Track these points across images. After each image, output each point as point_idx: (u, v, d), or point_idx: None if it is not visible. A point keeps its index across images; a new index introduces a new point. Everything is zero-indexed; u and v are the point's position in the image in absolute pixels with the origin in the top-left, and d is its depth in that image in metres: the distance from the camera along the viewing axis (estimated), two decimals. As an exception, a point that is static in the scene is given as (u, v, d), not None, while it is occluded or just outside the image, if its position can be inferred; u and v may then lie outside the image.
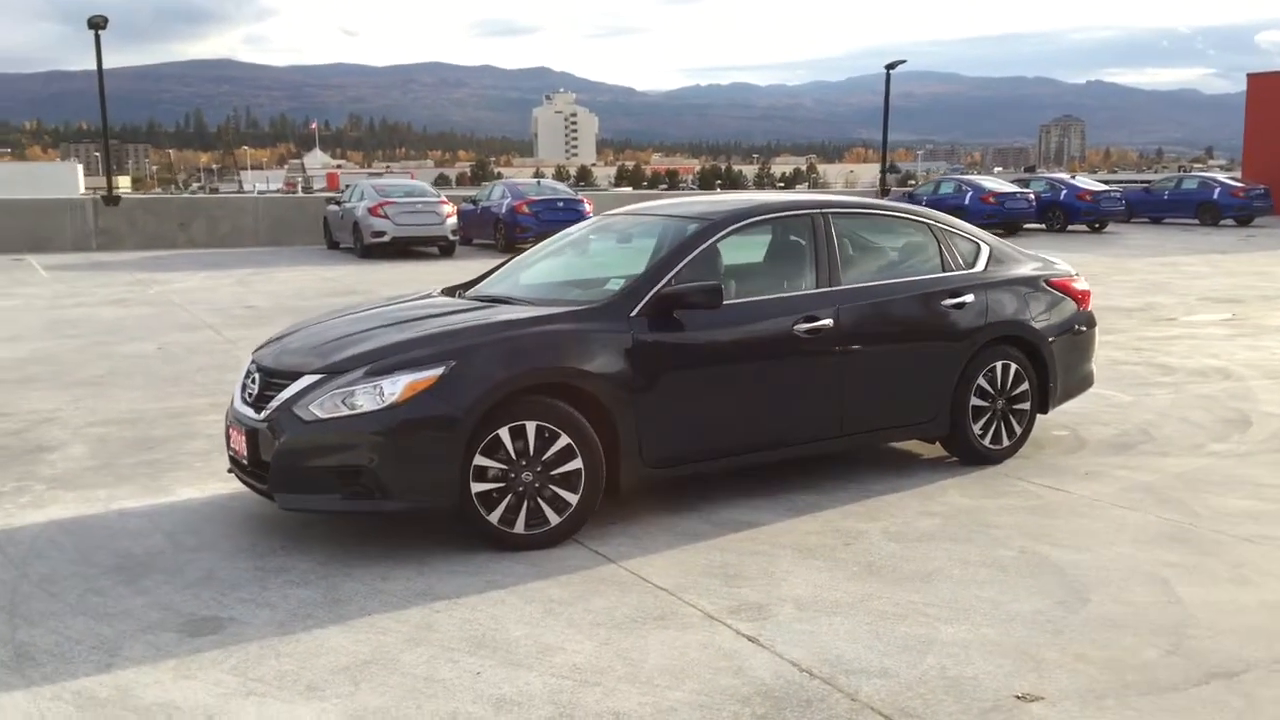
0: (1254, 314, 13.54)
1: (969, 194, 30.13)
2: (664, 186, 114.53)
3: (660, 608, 4.45)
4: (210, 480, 6.29)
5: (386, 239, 22.69)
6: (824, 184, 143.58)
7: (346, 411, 4.91)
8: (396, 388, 4.89)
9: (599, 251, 6.83)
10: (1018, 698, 3.64)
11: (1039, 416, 6.87)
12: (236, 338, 11.76)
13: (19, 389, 9.13)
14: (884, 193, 36.51)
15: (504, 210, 24.89)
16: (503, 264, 6.84)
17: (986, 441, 6.50)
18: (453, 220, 23.70)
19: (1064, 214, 31.65)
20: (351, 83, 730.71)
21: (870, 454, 6.77)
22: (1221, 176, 39.15)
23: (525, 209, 24.28)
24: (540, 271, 6.58)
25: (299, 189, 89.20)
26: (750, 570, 4.86)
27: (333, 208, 25.78)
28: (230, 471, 5.63)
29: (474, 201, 27.49)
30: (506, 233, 24.24)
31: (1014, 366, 6.52)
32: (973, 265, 6.60)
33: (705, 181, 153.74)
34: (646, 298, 5.44)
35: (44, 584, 4.75)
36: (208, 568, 4.95)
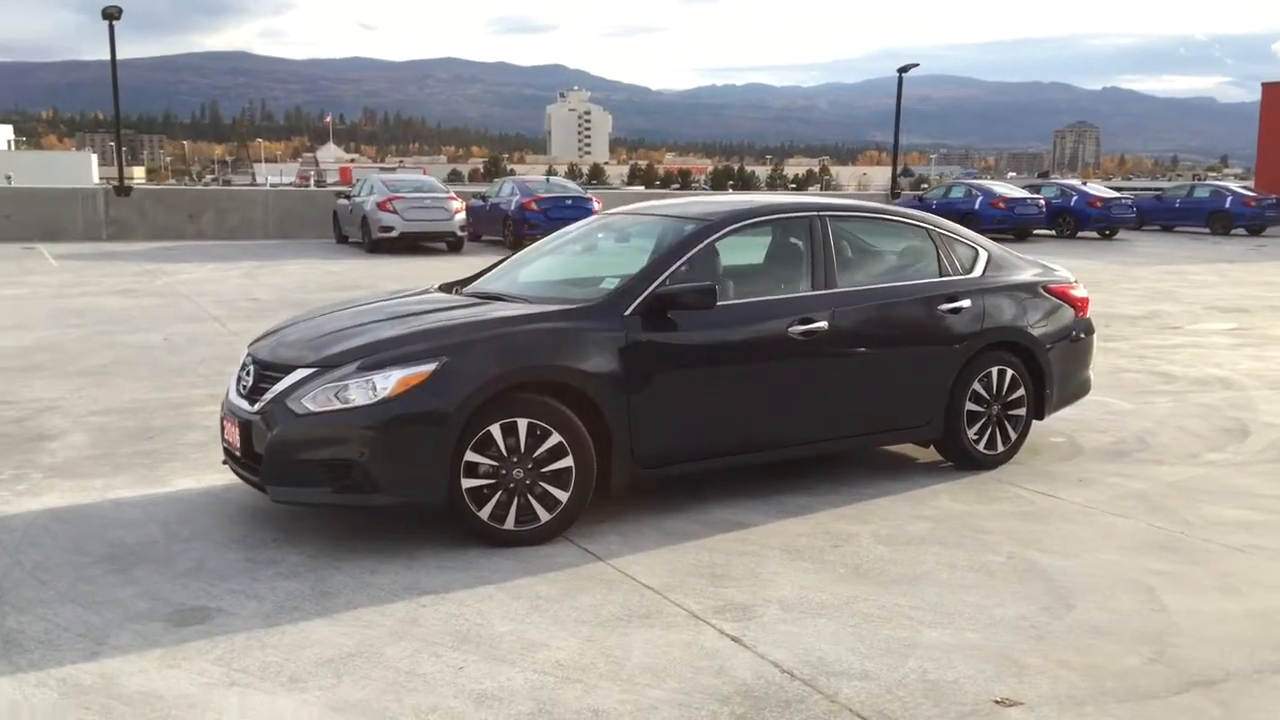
0: (1260, 324, 13.51)
1: (979, 199, 30.09)
2: (676, 186, 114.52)
3: (646, 606, 4.47)
4: (206, 471, 6.32)
5: (394, 234, 22.74)
6: (836, 186, 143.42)
7: (339, 405, 4.94)
8: (388, 383, 4.92)
9: (597, 250, 6.84)
10: (996, 702, 3.66)
11: (1036, 423, 6.87)
12: (240, 330, 11.80)
13: (22, 377, 9.18)
14: (894, 196, 36.47)
15: (513, 207, 24.94)
16: (501, 261, 6.86)
17: (981, 447, 6.50)
18: (461, 216, 23.76)
19: (1074, 220, 31.57)
20: (367, 77, 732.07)
21: (864, 457, 6.78)
22: (1234, 185, 39.05)
23: (534, 206, 24.33)
24: (538, 269, 6.60)
25: (311, 182, 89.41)
26: (738, 571, 4.87)
27: (342, 202, 25.86)
28: (225, 463, 5.66)
29: (483, 198, 27.54)
30: (515, 229, 24.27)
31: (1010, 372, 6.53)
32: (971, 270, 6.61)
33: (718, 182, 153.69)
34: (641, 297, 5.45)
35: (36, 571, 4.78)
36: (199, 558, 4.98)
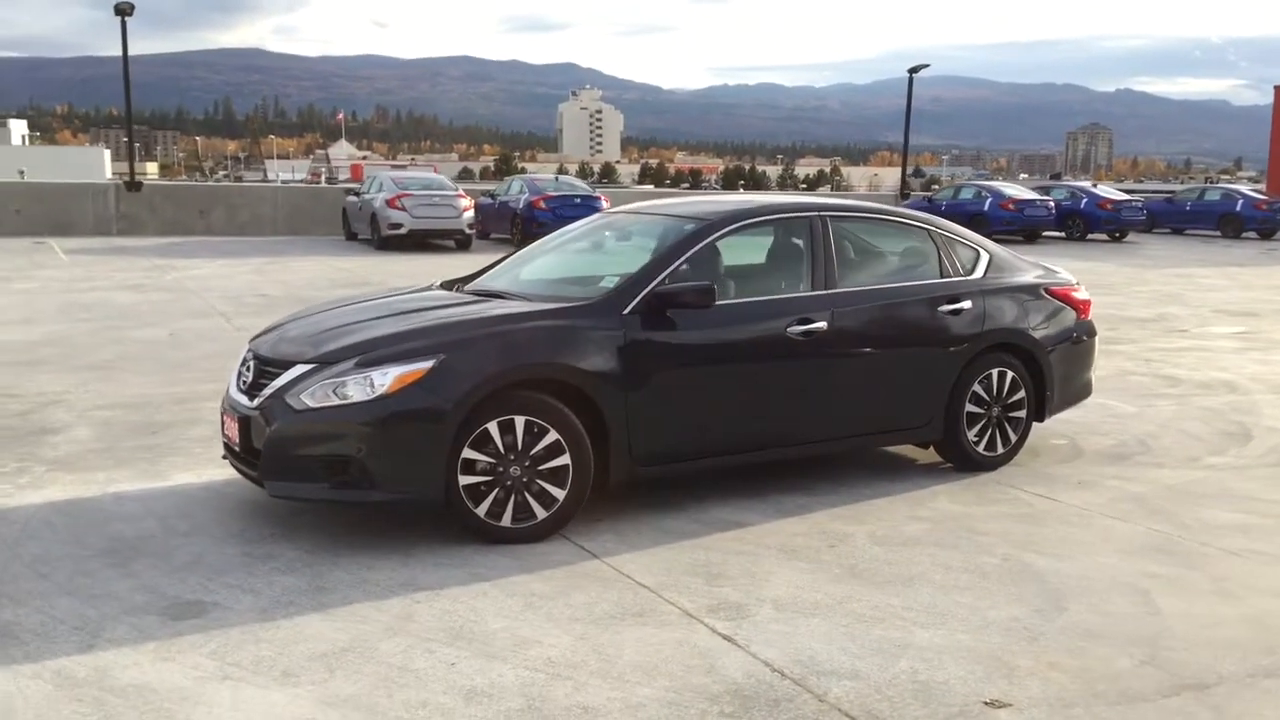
0: (1268, 328, 13.47)
1: (988, 200, 30.04)
2: (686, 185, 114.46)
3: (640, 604, 4.48)
4: (207, 466, 6.35)
5: (403, 231, 22.79)
6: (847, 187, 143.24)
7: (336, 401, 4.96)
8: (386, 379, 4.94)
9: (598, 249, 6.86)
10: (986, 704, 3.66)
11: (1037, 425, 6.87)
12: (246, 325, 11.82)
13: (29, 371, 9.23)
14: (904, 196, 36.43)
15: (521, 205, 24.99)
16: (503, 259, 6.88)
17: (981, 448, 6.50)
18: (469, 214, 23.80)
19: (1084, 222, 31.47)
20: (380, 74, 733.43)
21: (863, 457, 6.79)
22: (1245, 189, 38.91)
23: (542, 205, 24.39)
24: (539, 267, 6.61)
25: (323, 179, 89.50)
26: (733, 570, 4.88)
27: (351, 199, 25.94)
28: (224, 458, 5.68)
29: (492, 196, 27.62)
30: (523, 228, 24.29)
31: (1010, 374, 6.52)
32: (972, 272, 6.60)
33: (729, 181, 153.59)
34: (640, 296, 5.47)
35: (34, 564, 4.81)
36: (197, 552, 5.00)
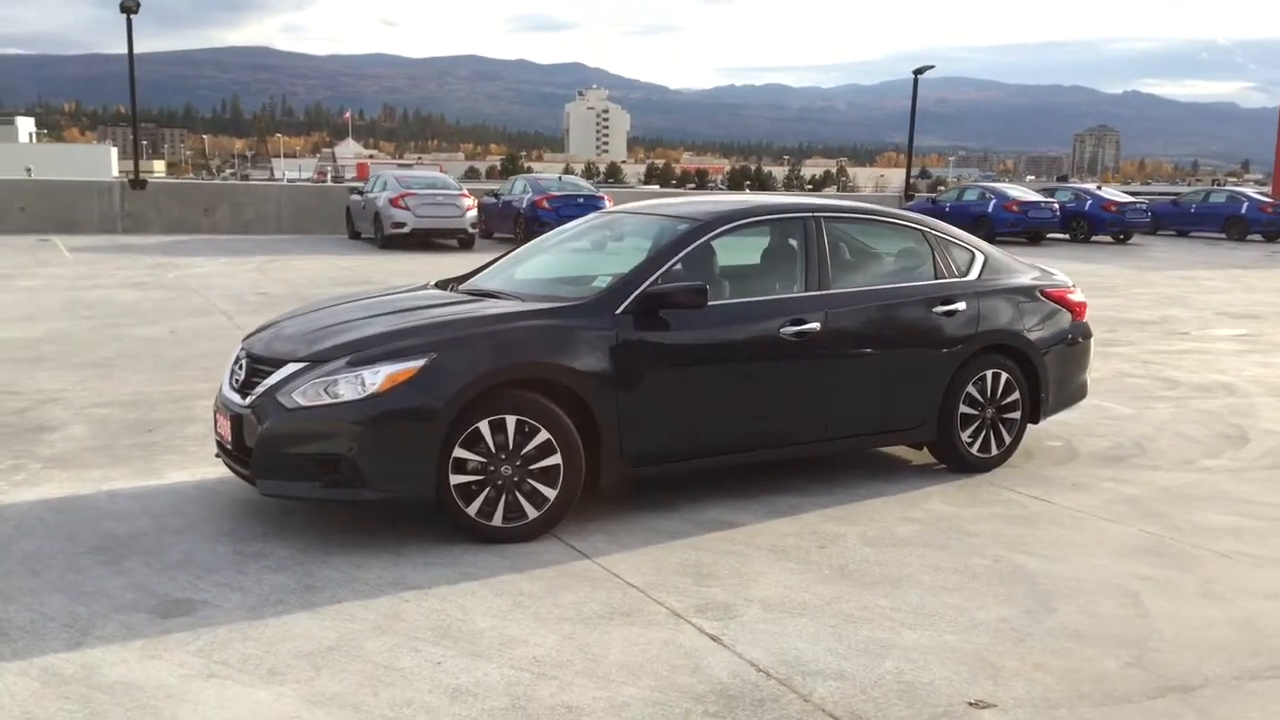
0: (1269, 331, 13.45)
1: (992, 201, 29.99)
2: (692, 186, 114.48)
3: (628, 604, 4.48)
4: (202, 465, 6.36)
5: (406, 230, 22.82)
6: (853, 188, 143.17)
7: (328, 400, 4.97)
8: (377, 378, 4.95)
9: (593, 249, 6.86)
10: (970, 704, 3.66)
11: (1033, 426, 6.87)
12: (247, 324, 11.80)
13: (29, 368, 9.25)
14: (908, 197, 36.41)
15: (525, 205, 25.04)
16: (498, 258, 6.89)
17: (975, 450, 6.50)
18: (473, 213, 23.84)
19: (1088, 224, 31.43)
20: (387, 73, 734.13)
21: (857, 458, 6.78)
22: (1251, 191, 38.82)
23: (546, 204, 24.42)
24: (534, 267, 6.62)
25: (329, 178, 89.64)
26: (722, 570, 4.89)
27: (355, 197, 26.00)
28: (217, 456, 5.70)
29: (496, 195, 27.66)
30: (526, 227, 24.30)
31: (1005, 375, 6.52)
32: (966, 273, 6.60)
33: (735, 182, 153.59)
34: (632, 296, 5.47)
35: (27, 561, 4.83)
36: (188, 551, 5.01)
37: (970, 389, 6.41)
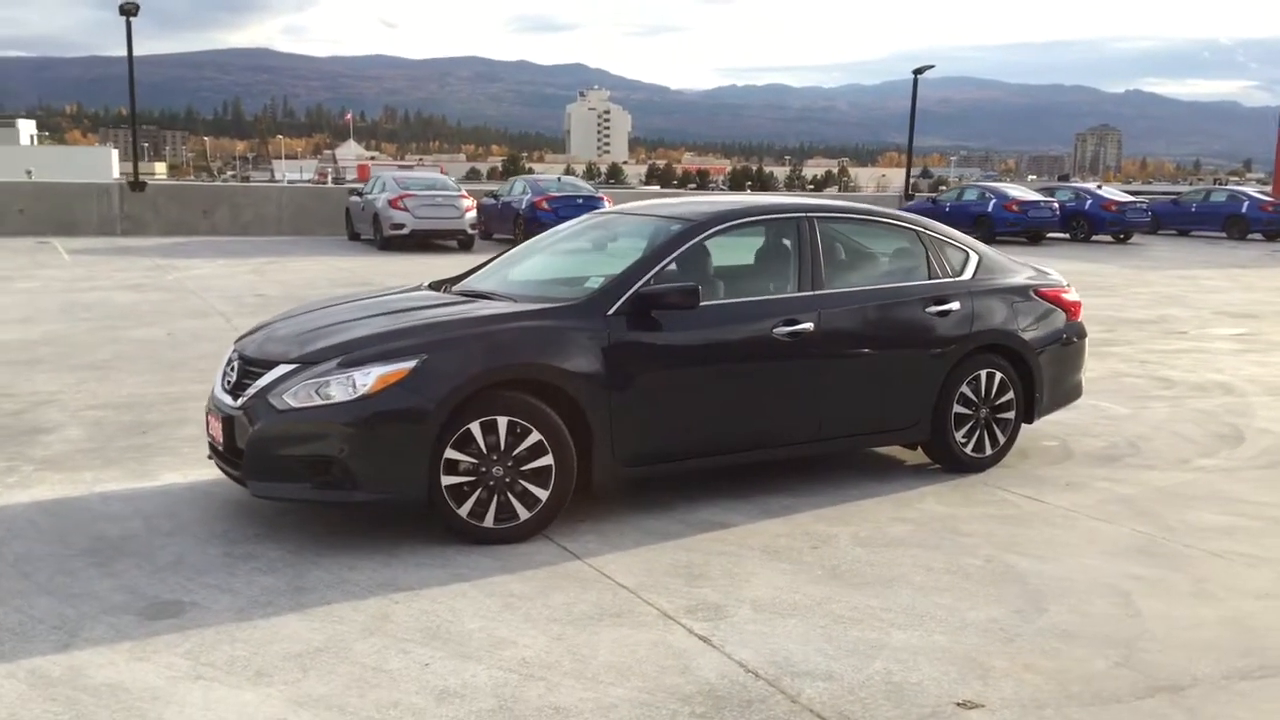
0: (1267, 330, 13.43)
1: (992, 201, 29.96)
2: (693, 186, 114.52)
3: (618, 605, 4.48)
4: (195, 466, 6.35)
5: (405, 231, 22.82)
6: (855, 188, 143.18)
7: (319, 401, 4.97)
8: (368, 379, 4.94)
9: (587, 249, 6.85)
10: (958, 705, 3.66)
11: (1029, 426, 6.86)
12: (244, 326, 11.83)
13: (25, 370, 9.25)
14: (908, 197, 36.40)
15: (524, 206, 25.04)
16: (491, 259, 6.89)
17: (969, 449, 6.49)
18: (472, 214, 23.85)
19: (1088, 224, 31.40)
20: (388, 75, 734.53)
21: (852, 458, 6.78)
22: (1251, 190, 38.78)
23: (545, 205, 24.41)
24: (527, 268, 6.61)
25: (329, 179, 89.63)
26: (714, 570, 4.88)
27: (355, 199, 26.00)
28: (210, 458, 5.69)
29: (495, 196, 27.66)
30: (525, 228, 24.31)
31: (999, 375, 6.51)
32: (960, 273, 6.59)
33: (736, 182, 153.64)
34: (624, 297, 5.47)
35: (17, 563, 4.82)
36: (179, 553, 5.01)
37: (964, 389, 6.40)
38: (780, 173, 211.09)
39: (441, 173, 40.92)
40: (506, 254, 6.93)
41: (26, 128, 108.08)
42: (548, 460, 5.15)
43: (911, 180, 41.52)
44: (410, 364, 4.98)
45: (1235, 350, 11.64)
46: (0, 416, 7.57)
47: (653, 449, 5.55)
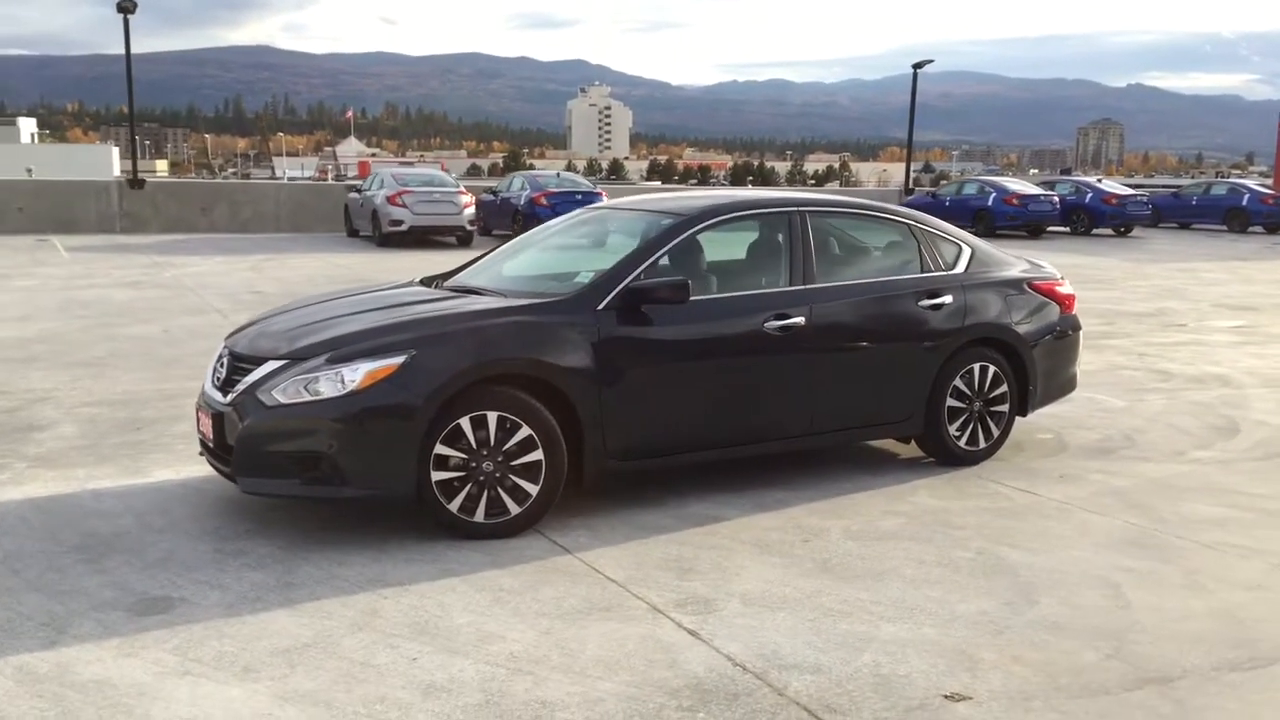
0: (1266, 322, 13.42)
1: (992, 195, 29.94)
2: (694, 182, 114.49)
3: (608, 599, 4.47)
4: (187, 463, 6.35)
5: (404, 228, 22.81)
6: (856, 183, 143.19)
7: (308, 397, 4.96)
8: (357, 375, 4.93)
9: (578, 245, 6.83)
10: (945, 697, 3.65)
11: (1024, 419, 6.86)
12: (241, 322, 11.84)
13: (20, 368, 9.25)
14: (908, 192, 36.36)
15: (523, 201, 25.02)
16: (484, 255, 6.88)
17: (963, 443, 6.48)
18: (470, 210, 23.82)
19: (1089, 217, 31.36)
20: (389, 72, 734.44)
21: (846, 452, 6.77)
22: (1252, 183, 38.73)
23: (544, 201, 24.38)
24: (519, 263, 6.60)
25: (330, 177, 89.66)
26: (704, 564, 4.87)
27: (353, 195, 25.99)
28: (201, 454, 5.69)
29: (494, 192, 27.65)
30: (524, 224, 24.28)
31: (992, 368, 6.50)
32: (953, 266, 6.58)
33: (737, 177, 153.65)
34: (614, 291, 5.46)
35: (7, 560, 4.82)
36: (169, 549, 5.01)
37: (958, 382, 6.39)
38: (782, 168, 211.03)
39: (442, 169, 40.96)
40: (497, 250, 6.91)
41: (27, 126, 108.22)
42: (538, 455, 5.14)
43: (913, 175, 41.47)
44: (399, 359, 4.97)
45: (1234, 343, 11.63)
46: (-6, 414, 7.57)
47: (644, 444, 5.54)
